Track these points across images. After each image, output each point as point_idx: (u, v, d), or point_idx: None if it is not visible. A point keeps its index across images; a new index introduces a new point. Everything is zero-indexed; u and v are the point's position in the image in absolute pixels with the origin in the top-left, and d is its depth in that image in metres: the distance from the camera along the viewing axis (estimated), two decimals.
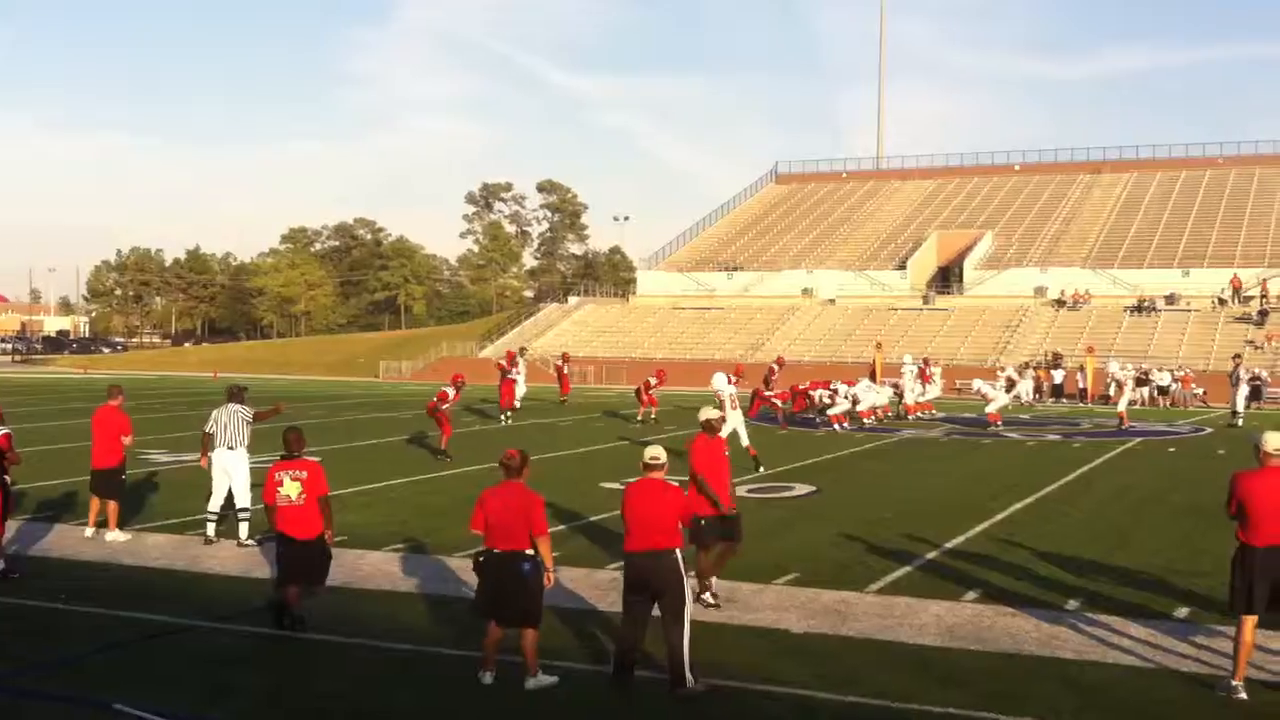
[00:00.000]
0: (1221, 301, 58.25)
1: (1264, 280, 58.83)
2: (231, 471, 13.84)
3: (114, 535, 13.74)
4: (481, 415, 33.70)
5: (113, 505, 13.87)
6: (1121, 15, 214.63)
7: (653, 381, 33.01)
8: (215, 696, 8.24)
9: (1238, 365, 36.17)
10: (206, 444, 14.01)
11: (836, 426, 29.76)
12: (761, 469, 20.64)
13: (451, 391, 23.88)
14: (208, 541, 13.69)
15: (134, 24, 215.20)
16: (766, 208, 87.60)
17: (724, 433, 21.15)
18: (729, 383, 22.11)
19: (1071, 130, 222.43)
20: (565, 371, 40.23)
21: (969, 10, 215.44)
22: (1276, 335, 53.39)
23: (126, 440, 14.10)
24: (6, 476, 12.45)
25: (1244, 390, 35.71)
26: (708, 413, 11.23)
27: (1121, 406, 32.61)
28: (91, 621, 10.29)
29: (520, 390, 35.97)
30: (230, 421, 13.92)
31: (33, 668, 8.89)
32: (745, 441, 21.12)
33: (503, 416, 31.83)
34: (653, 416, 31.81)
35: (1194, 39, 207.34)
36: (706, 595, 10.63)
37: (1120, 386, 34.78)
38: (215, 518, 13.92)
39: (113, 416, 14.07)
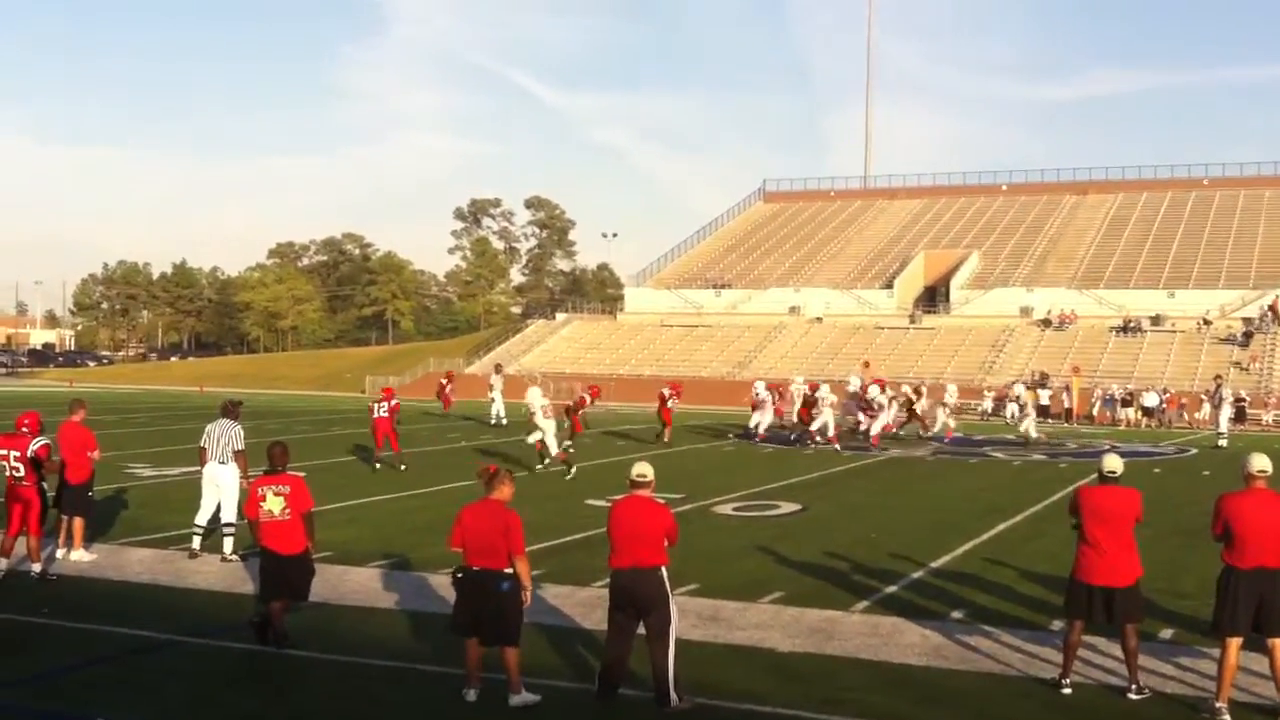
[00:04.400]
0: (1207, 322, 58.48)
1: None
2: (221, 485, 13.79)
3: (79, 554, 13.43)
4: (467, 431, 33.63)
5: (79, 522, 13.55)
6: (1109, 39, 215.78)
7: (667, 393, 30.92)
8: (197, 712, 8.20)
9: (1219, 386, 36.32)
10: (204, 458, 13.97)
11: (832, 446, 29.63)
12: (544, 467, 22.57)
13: (392, 403, 24.42)
14: (192, 555, 13.62)
15: (124, 37, 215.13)
16: (754, 226, 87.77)
17: (535, 436, 22.86)
18: (542, 396, 23.67)
19: (1058, 151, 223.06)
20: (449, 390, 40.45)
21: (957, 32, 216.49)
22: (1260, 356, 53.65)
23: (94, 455, 13.79)
24: (44, 484, 12.68)
25: (1228, 411, 35.87)
26: (1111, 462, 9.10)
27: (1024, 426, 32.82)
28: (74, 635, 10.23)
29: (498, 408, 35.96)
30: (222, 436, 13.88)
31: (13, 682, 8.83)
32: (554, 448, 22.83)
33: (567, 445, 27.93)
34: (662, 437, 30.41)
35: (1181, 63, 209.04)
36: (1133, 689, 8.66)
37: (1022, 407, 35.01)
38: (202, 531, 13.85)
39: (76, 432, 13.71)
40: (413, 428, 34.19)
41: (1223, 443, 33.02)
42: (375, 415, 24.07)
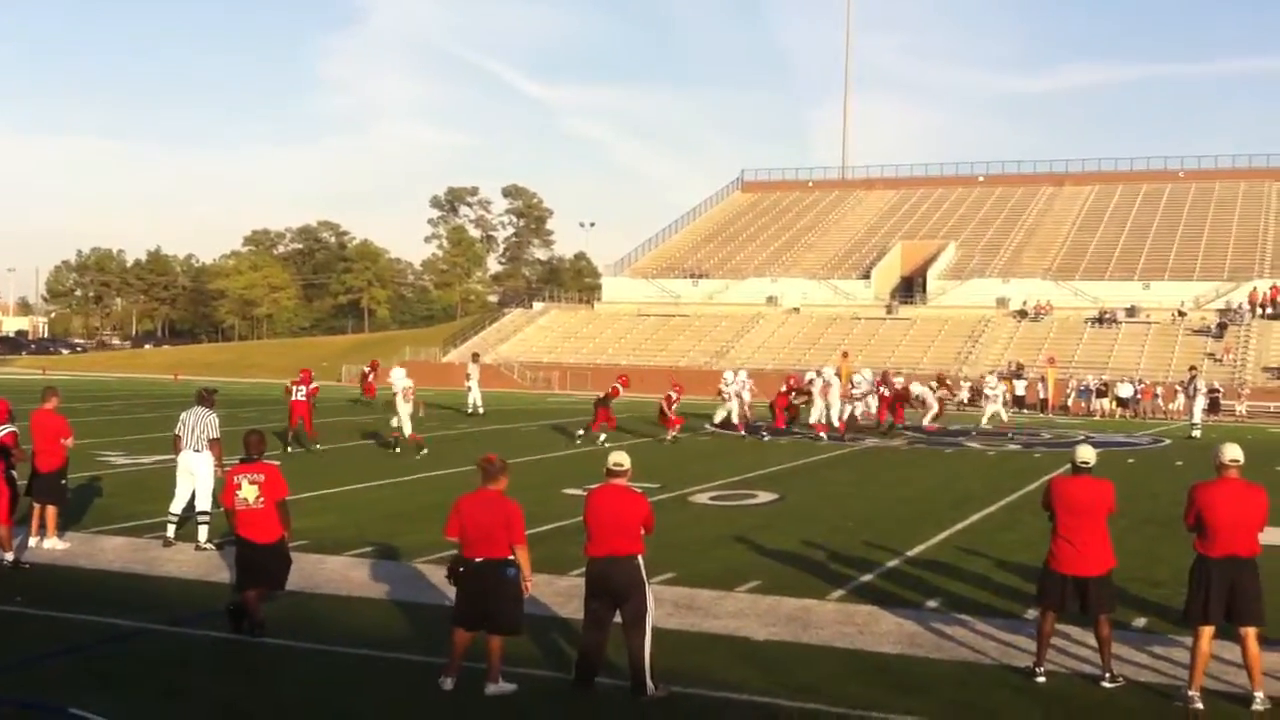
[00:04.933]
0: (1182, 314, 58.84)
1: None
2: (196, 473, 13.73)
3: (52, 543, 13.36)
4: (444, 420, 33.54)
5: (51, 510, 13.45)
6: (1085, 32, 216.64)
7: (674, 395, 28.93)
8: (171, 701, 8.16)
9: (1194, 377, 36.58)
10: (179, 446, 13.90)
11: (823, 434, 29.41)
12: (398, 451, 23.61)
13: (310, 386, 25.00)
14: (167, 544, 13.55)
15: (100, 27, 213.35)
16: (732, 216, 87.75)
17: (396, 423, 23.89)
18: (406, 376, 24.98)
19: (1035, 143, 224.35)
20: (371, 378, 41.03)
21: (934, 26, 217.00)
22: (1234, 348, 54.00)
23: (68, 443, 13.67)
24: (14, 472, 12.60)
25: (1201, 402, 36.12)
26: (1084, 453, 8.99)
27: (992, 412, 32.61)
28: (47, 624, 10.18)
29: (475, 397, 35.98)
30: (197, 424, 13.82)
31: None
32: (407, 430, 24.01)
33: (585, 435, 28.16)
34: (675, 436, 28.43)
35: (1157, 56, 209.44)
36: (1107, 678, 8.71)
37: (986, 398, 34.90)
38: (176, 520, 13.78)
39: (49, 419, 13.61)
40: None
41: (1196, 433, 33.27)
42: (293, 398, 24.26)
